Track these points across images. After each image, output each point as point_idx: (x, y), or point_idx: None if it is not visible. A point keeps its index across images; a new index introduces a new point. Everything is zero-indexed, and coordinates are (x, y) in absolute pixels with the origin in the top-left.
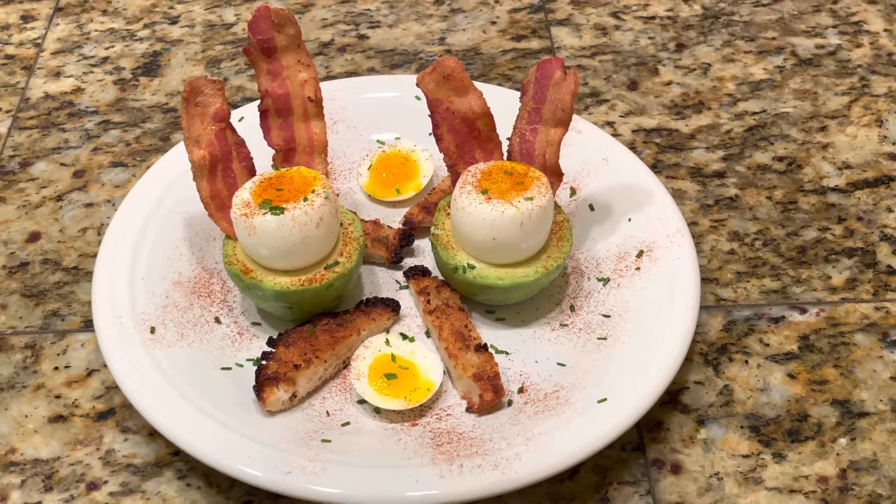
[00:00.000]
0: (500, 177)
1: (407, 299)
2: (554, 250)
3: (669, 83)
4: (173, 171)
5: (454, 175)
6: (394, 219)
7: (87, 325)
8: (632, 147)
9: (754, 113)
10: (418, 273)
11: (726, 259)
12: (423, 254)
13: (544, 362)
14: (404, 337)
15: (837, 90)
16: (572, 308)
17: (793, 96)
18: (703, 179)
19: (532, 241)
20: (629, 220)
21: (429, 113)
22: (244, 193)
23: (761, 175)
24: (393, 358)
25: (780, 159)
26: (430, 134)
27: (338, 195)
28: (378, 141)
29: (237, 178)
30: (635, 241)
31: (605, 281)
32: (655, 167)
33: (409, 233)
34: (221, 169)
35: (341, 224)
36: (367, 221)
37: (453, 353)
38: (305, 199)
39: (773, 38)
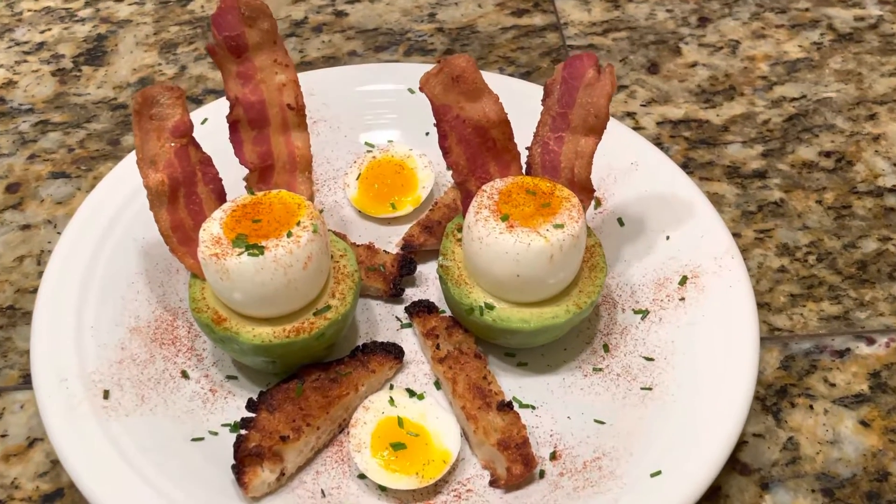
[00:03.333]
0: (521, 197)
1: (410, 340)
2: (586, 283)
3: (694, 64)
4: (127, 185)
5: (464, 193)
6: (389, 240)
7: (27, 381)
8: (657, 143)
9: (793, 99)
10: (423, 309)
11: (776, 279)
12: (425, 282)
13: (578, 418)
14: (412, 394)
15: (884, 70)
16: (606, 348)
17: (834, 78)
18: (742, 181)
19: (562, 276)
20: (667, 237)
21: (434, 122)
22: (213, 226)
23: (808, 174)
24: (400, 422)
25: (828, 154)
26: (428, 134)
27: (321, 211)
28: (367, 144)
29: (203, 204)
30: (676, 264)
31: (644, 314)
32: (686, 166)
33: (410, 259)
34: (184, 194)
35: (331, 256)
36: (358, 246)
37: (472, 413)
38: (289, 235)
39: (807, 10)
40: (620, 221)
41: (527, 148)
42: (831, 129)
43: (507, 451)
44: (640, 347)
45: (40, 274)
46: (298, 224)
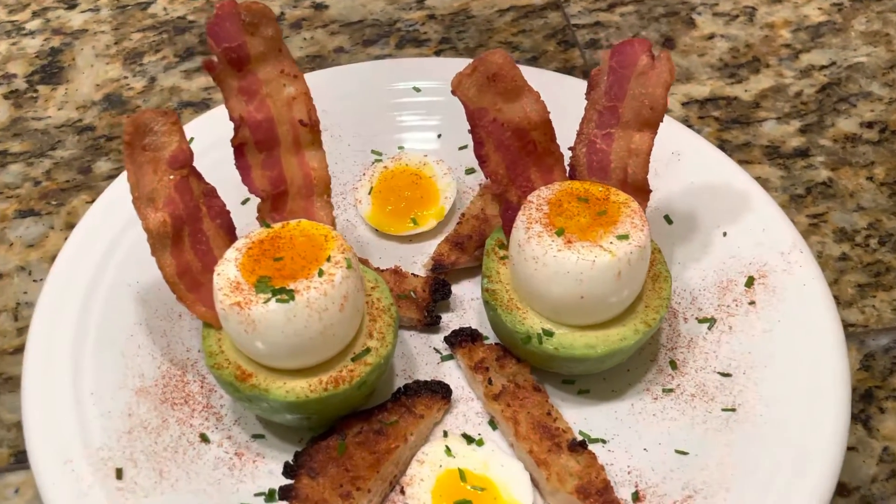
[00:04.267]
0: (573, 206)
1: (454, 374)
2: (650, 296)
3: (711, 36)
4: (113, 220)
5: (504, 205)
6: (414, 260)
7: (20, 459)
8: (686, 126)
9: (822, 67)
10: (466, 339)
11: (840, 268)
12: (461, 306)
13: (657, 450)
14: (469, 440)
15: None
16: (673, 365)
17: (862, 41)
18: (784, 161)
19: (628, 292)
20: (724, 234)
21: (468, 128)
22: (229, 269)
23: (852, 149)
24: (462, 476)
25: (869, 125)
26: (440, 136)
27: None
28: (374, 153)
29: (211, 242)
30: (739, 263)
31: (710, 323)
32: (721, 150)
33: (443, 281)
34: (189, 233)
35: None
36: (383, 271)
37: (541, 457)
38: (321, 274)
39: None
40: (668, 219)
41: (569, 148)
42: (868, 96)
43: (588, 499)
44: (713, 362)
45: (20, 331)
46: (329, 259)
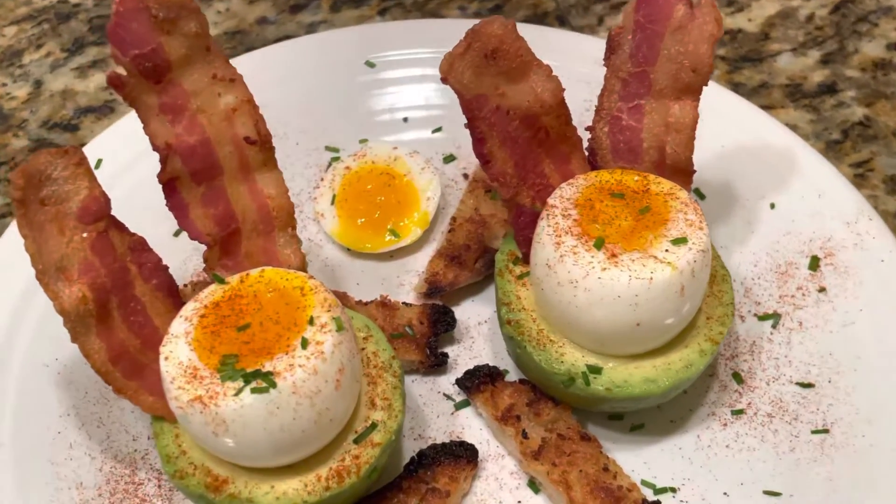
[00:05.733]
0: (608, 206)
1: (472, 425)
2: (711, 304)
3: None
4: (12, 286)
5: (515, 211)
6: (400, 282)
7: None
8: None
9: None
10: (484, 379)
11: None
12: (467, 334)
13: (740, 492)
14: None
15: None
16: (738, 378)
17: None
18: (810, 101)
19: (689, 307)
20: (771, 205)
21: (465, 122)
22: (179, 349)
23: (884, 77)
24: None
25: None
26: (406, 120)
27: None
28: (329, 149)
29: (148, 310)
30: (796, 241)
31: (774, 320)
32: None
33: (444, 309)
34: (118, 304)
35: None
36: (367, 305)
37: None
38: (305, 345)
39: None
40: (699, 193)
41: (587, 129)
42: (889, 12)
43: None
44: (787, 370)
45: None
46: (311, 322)
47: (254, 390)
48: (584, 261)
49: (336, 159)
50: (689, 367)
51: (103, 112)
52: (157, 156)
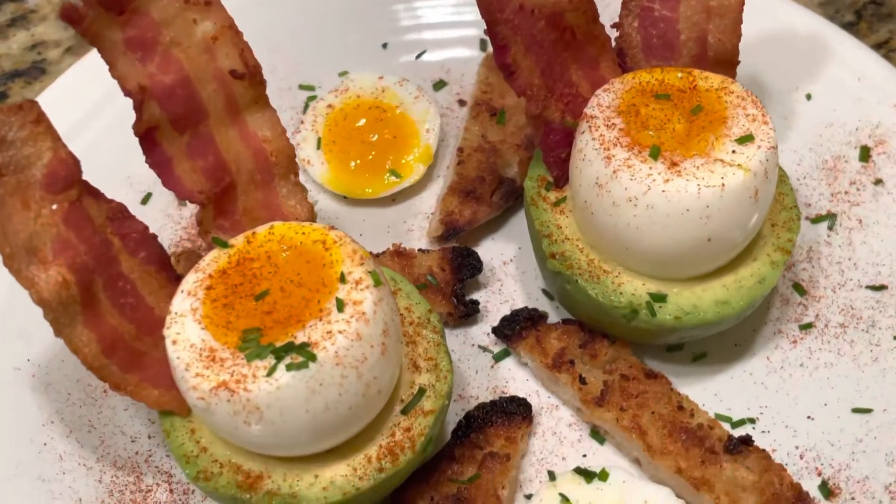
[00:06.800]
0: (655, 110)
1: (516, 375)
2: (774, 209)
3: None
4: None
5: (546, 130)
6: (408, 228)
7: None
8: None
9: None
10: (525, 323)
11: None
12: (493, 276)
13: (824, 413)
14: (589, 476)
15: None
16: (800, 289)
17: None
18: None
19: (760, 215)
20: (807, 96)
21: (484, 29)
22: (187, 329)
23: None
24: None
25: None
26: (385, 46)
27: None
28: (304, 87)
29: (140, 289)
30: (842, 132)
31: (830, 220)
32: None
33: (467, 251)
34: (103, 285)
35: None
36: (379, 256)
37: (696, 475)
38: (341, 307)
39: None
40: None
41: (612, 26)
42: None
43: None
44: (852, 273)
45: None
46: (343, 279)
47: (290, 367)
48: (643, 174)
49: (313, 98)
50: (763, 282)
51: (33, 75)
52: (103, 107)
